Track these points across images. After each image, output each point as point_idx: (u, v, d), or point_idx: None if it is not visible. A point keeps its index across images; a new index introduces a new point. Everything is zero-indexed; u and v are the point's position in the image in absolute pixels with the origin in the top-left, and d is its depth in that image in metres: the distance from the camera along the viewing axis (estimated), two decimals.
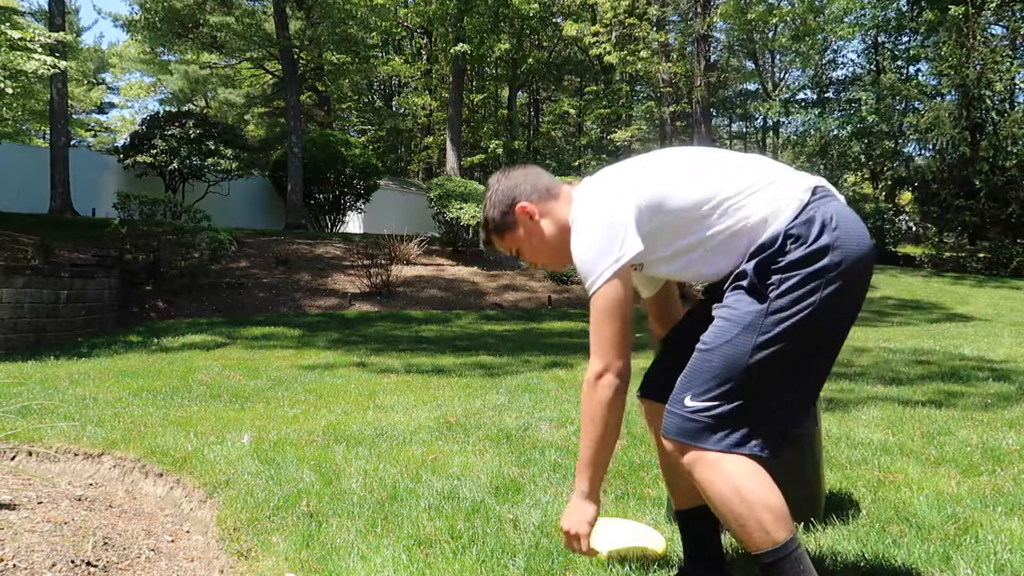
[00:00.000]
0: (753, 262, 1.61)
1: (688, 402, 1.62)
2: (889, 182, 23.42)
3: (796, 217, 1.60)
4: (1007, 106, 20.93)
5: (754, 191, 1.66)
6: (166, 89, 37.06)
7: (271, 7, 18.35)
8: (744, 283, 1.62)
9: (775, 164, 1.75)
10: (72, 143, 22.00)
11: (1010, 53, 20.00)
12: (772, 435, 1.62)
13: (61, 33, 12.74)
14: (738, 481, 1.57)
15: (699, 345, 1.65)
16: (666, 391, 1.73)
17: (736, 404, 1.59)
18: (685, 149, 1.82)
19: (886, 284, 15.83)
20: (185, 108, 30.64)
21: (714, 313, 1.66)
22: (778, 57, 30.77)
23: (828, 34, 22.68)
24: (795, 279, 1.57)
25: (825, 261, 1.56)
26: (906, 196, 24.34)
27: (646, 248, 1.68)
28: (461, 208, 14.32)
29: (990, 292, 15.17)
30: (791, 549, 1.57)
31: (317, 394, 5.22)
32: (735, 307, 1.62)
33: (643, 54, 21.29)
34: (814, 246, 1.57)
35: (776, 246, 1.59)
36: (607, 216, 1.68)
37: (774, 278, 1.59)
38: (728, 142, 40.61)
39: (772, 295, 1.58)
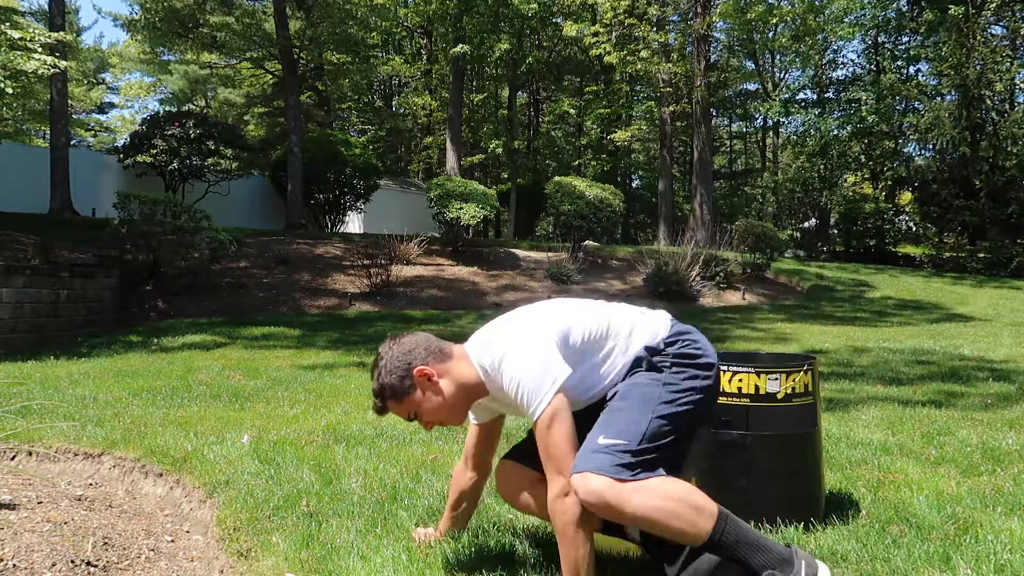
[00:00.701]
0: (644, 357, 1.97)
1: (601, 440, 1.84)
2: (889, 182, 23.40)
3: (669, 333, 2.02)
4: (1007, 106, 20.91)
5: (635, 323, 2.04)
6: (166, 89, 37.04)
7: (271, 7, 18.31)
8: (642, 366, 1.97)
9: (635, 307, 2.16)
10: (72, 143, 21.97)
11: (1010, 53, 19.98)
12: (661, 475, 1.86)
13: (61, 33, 12.72)
14: (659, 490, 1.79)
15: (611, 405, 1.93)
16: (535, 459, 1.94)
17: (640, 446, 1.83)
18: (564, 299, 2.16)
19: (886, 284, 15.82)
20: (185, 108, 30.61)
21: (618, 388, 1.97)
22: (778, 57, 30.70)
23: (828, 34, 22.64)
24: (683, 365, 1.96)
25: (703, 360, 1.98)
26: (906, 196, 24.32)
27: None
28: (461, 208, 14.30)
29: (990, 292, 15.16)
30: (725, 519, 1.82)
31: (317, 394, 5.22)
32: (637, 380, 1.96)
33: (643, 54, 21.24)
34: (691, 348, 1.98)
35: (661, 346, 1.98)
36: (536, 346, 1.90)
37: (667, 361, 1.96)
38: (728, 142, 40.60)
39: (666, 372, 1.95)
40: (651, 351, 1.98)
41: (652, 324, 2.04)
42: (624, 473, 1.78)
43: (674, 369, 1.95)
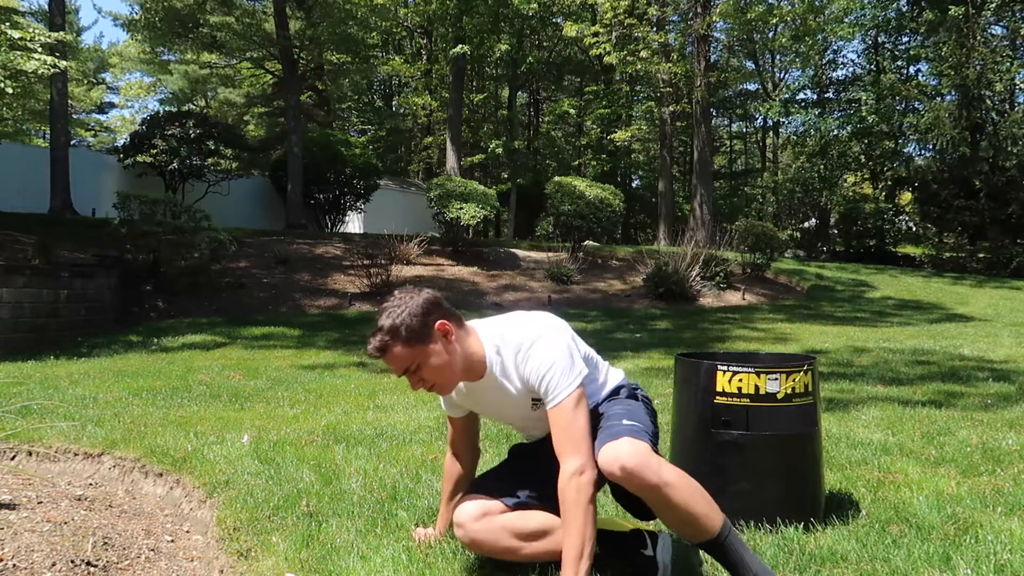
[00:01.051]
0: (624, 387, 2.22)
1: (626, 421, 1.98)
2: (889, 182, 23.39)
3: (628, 382, 2.26)
4: (1007, 106, 20.90)
5: (609, 365, 2.28)
6: (166, 89, 37.01)
7: (271, 7, 18.32)
8: (620, 394, 2.18)
9: None
10: (72, 143, 21.98)
11: (1010, 53, 19.97)
12: None
13: (61, 33, 12.72)
14: (683, 472, 1.92)
15: (614, 409, 2.09)
16: (497, 490, 2.07)
17: (649, 435, 2.00)
18: None
19: (886, 284, 15.82)
20: (185, 108, 30.56)
21: (610, 406, 2.13)
22: (778, 57, 30.69)
23: (828, 34, 22.64)
24: (647, 403, 2.20)
25: (654, 408, 2.25)
26: (906, 196, 24.31)
27: None
28: (461, 208, 14.30)
29: (990, 292, 15.16)
30: (729, 525, 1.93)
31: (317, 394, 5.22)
32: (623, 401, 2.15)
33: (643, 54, 21.21)
34: (646, 396, 2.25)
35: (630, 387, 2.23)
36: (562, 340, 2.01)
37: (638, 397, 2.20)
38: (728, 142, 40.59)
39: (640, 402, 2.16)
40: (628, 384, 2.24)
41: (619, 372, 2.30)
42: (643, 437, 1.93)
43: (645, 403, 2.20)
